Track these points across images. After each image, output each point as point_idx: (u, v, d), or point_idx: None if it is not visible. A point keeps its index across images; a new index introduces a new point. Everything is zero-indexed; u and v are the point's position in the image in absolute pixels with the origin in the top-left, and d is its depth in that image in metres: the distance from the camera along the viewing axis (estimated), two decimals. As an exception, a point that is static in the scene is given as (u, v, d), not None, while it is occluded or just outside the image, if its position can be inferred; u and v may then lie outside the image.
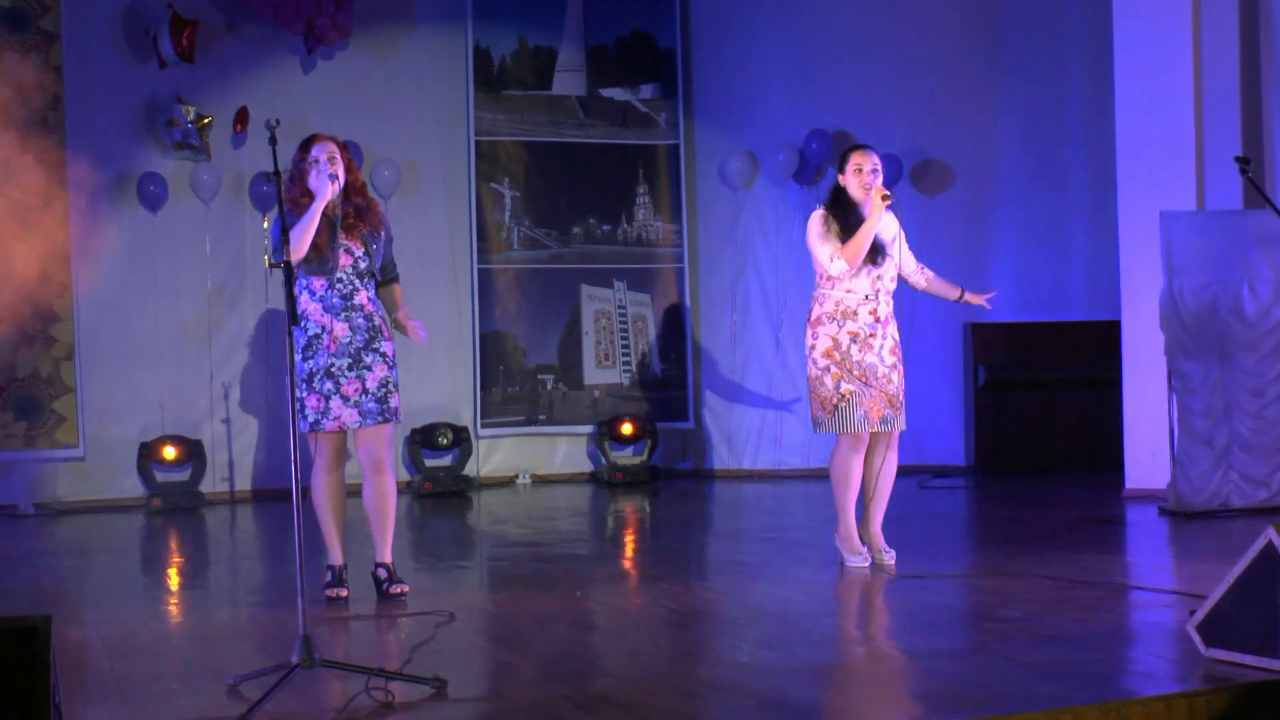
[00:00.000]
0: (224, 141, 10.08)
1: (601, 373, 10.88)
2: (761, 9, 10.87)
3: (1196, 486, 7.98)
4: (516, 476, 10.66)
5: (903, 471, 6.99)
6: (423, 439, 10.29)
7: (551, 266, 10.80)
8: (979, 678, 4.50)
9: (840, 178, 6.57)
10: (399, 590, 6.09)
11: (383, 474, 6.10)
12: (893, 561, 6.57)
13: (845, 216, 6.48)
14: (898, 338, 6.60)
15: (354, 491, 6.29)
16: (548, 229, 10.79)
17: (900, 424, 6.58)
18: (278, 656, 4.70)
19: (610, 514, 9.28)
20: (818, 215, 6.54)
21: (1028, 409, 10.49)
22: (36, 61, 9.70)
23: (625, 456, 10.66)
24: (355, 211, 6.10)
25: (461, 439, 10.39)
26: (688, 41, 11.04)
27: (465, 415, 10.50)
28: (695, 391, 10.98)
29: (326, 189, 5.90)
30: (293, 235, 5.74)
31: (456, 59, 10.66)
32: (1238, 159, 5.89)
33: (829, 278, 6.50)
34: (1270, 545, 4.38)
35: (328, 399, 5.96)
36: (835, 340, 6.46)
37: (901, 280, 6.68)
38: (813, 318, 6.54)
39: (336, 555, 6.15)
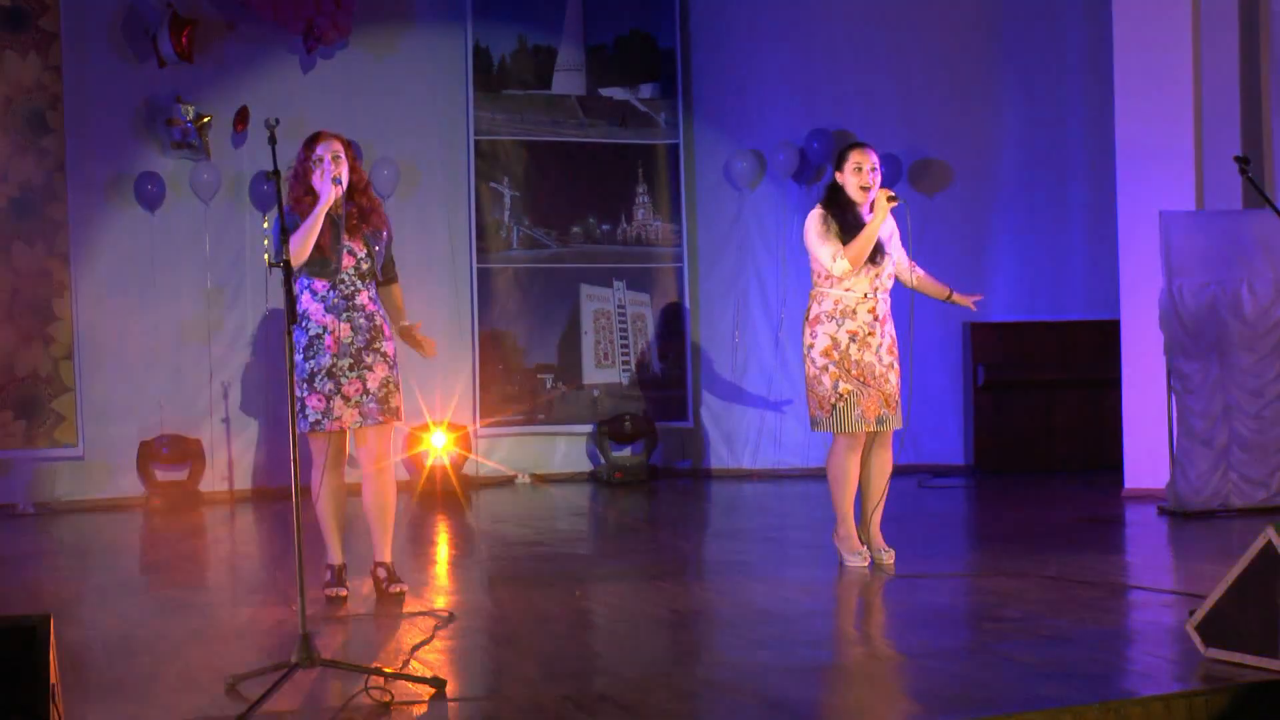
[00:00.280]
0: (223, 141, 10.08)
1: (601, 372, 10.87)
2: (761, 9, 10.86)
3: (1196, 486, 7.98)
4: (516, 476, 10.67)
5: (902, 471, 7.00)
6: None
7: (551, 266, 10.79)
8: (979, 678, 4.50)
9: (838, 176, 6.54)
10: (398, 590, 6.10)
11: (383, 474, 6.10)
12: (892, 561, 6.56)
13: (844, 215, 6.45)
14: (895, 336, 6.59)
15: (354, 492, 6.29)
16: (547, 228, 10.78)
17: (896, 423, 6.56)
18: (277, 656, 4.69)
19: (609, 514, 9.28)
20: (816, 214, 6.51)
21: (1027, 409, 10.49)
22: (35, 61, 9.71)
23: (624, 456, 10.65)
24: (358, 212, 6.08)
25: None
26: (687, 41, 11.03)
27: (465, 415, 10.51)
28: (694, 391, 10.98)
29: (329, 192, 5.88)
30: (295, 240, 5.73)
31: (456, 58, 10.66)
32: (1237, 159, 5.88)
33: (827, 277, 6.48)
34: (1269, 545, 4.38)
35: (329, 399, 5.96)
36: (834, 339, 6.45)
37: (893, 277, 6.67)
38: (811, 317, 6.52)
39: (336, 555, 6.15)
